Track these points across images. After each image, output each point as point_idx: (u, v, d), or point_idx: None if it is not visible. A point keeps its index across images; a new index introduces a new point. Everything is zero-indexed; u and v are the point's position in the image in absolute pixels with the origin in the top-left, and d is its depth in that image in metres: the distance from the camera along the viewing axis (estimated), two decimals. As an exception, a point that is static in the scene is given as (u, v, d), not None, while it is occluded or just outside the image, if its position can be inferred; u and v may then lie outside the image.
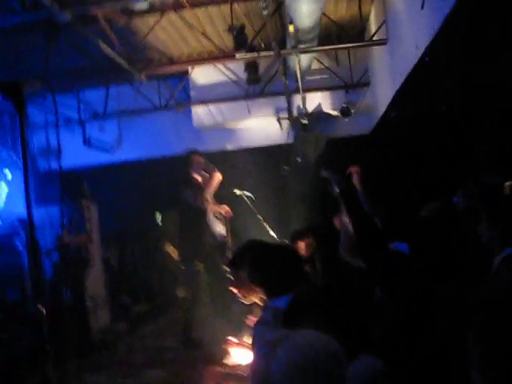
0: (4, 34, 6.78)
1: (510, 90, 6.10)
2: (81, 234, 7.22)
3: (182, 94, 10.02)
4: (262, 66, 9.35)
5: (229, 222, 8.14)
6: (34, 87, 2.03)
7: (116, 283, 8.98)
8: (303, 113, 9.71)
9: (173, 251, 8.00)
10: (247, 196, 7.54)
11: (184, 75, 9.73)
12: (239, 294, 3.24)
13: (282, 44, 8.15)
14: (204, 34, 8.22)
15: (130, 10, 7.12)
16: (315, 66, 9.46)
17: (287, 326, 1.92)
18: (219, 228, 8.10)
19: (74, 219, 7.21)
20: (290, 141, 10.23)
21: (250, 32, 7.82)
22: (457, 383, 1.77)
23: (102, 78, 9.33)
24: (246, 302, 3.29)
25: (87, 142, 9.95)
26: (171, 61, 8.92)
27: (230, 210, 7.80)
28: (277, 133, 10.43)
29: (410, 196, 8.39)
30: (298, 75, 8.42)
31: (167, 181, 8.21)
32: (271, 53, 7.69)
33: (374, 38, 7.83)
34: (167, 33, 8.18)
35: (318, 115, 9.99)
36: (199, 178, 6.15)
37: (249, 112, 9.72)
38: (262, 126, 10.45)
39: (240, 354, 3.78)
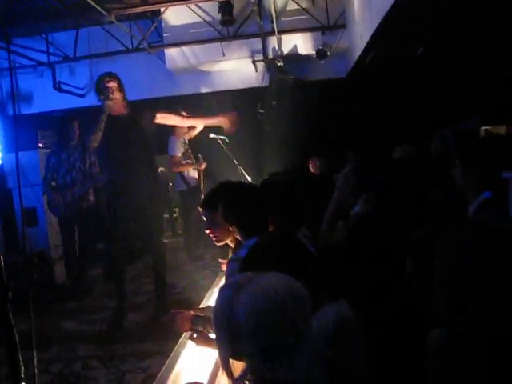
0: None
1: (489, 35, 6.05)
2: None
3: (155, 36, 9.75)
4: (237, 6, 9.10)
5: (202, 167, 8.12)
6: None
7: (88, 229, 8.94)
8: (278, 55, 9.54)
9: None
10: (221, 139, 7.46)
11: (156, 16, 9.45)
12: (213, 236, 3.27)
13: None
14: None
15: None
16: (291, 6, 9.25)
17: (247, 268, 1.91)
18: (191, 173, 8.08)
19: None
20: (266, 84, 10.08)
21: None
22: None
23: (72, 20, 9.02)
24: (219, 244, 3.32)
25: (57, 86, 9.70)
26: (143, 1, 8.64)
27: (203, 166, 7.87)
28: (252, 75, 10.27)
29: (383, 140, 8.41)
30: (274, 16, 8.25)
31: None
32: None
33: (350, -22, 7.64)
34: (138, -30, 7.91)
35: (294, 57, 9.83)
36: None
37: (223, 54, 9.52)
38: (236, 69, 10.26)
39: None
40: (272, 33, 9.08)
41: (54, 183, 6.69)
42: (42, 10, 8.76)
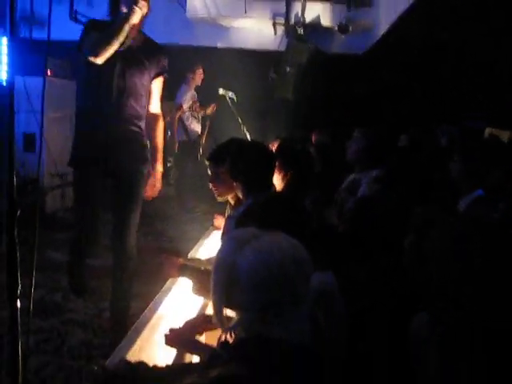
0: None
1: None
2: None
3: (178, -19, 9.57)
4: (266, -35, 8.96)
5: (208, 122, 8.09)
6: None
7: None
8: (300, 22, 9.41)
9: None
10: (230, 97, 7.43)
11: (183, -38, 9.27)
12: (216, 190, 3.30)
13: None
14: None
15: None
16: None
17: (243, 224, 1.93)
18: (194, 125, 8.06)
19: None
20: (282, 49, 9.97)
21: None
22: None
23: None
24: (221, 199, 3.36)
25: (74, 15, 9.54)
26: None
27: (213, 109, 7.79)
28: (270, 38, 10.13)
29: (389, 123, 8.41)
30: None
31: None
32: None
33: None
34: None
35: (315, 27, 9.70)
36: None
37: (245, 11, 9.38)
38: (255, 28, 10.12)
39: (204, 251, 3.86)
40: (297, -2, 8.95)
41: None
42: None
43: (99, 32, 3.70)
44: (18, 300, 1.78)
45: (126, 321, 3.82)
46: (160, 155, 4.12)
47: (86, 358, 3.78)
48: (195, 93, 7.89)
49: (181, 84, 7.97)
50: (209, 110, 8.09)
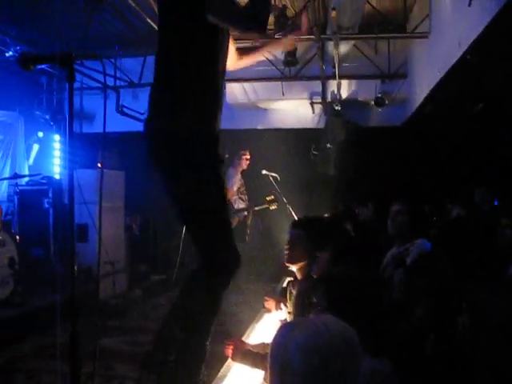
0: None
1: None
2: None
3: (218, 70, 10.00)
4: (300, 48, 9.29)
5: (252, 203, 8.20)
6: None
7: (136, 251, 9.12)
8: (337, 99, 9.66)
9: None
10: (273, 177, 7.58)
11: (221, 51, 9.71)
12: (287, 254, 3.50)
13: (322, 28, 8.11)
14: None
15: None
16: (353, 52, 9.39)
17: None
18: (241, 205, 8.18)
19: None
20: (321, 126, 10.20)
21: (291, 13, 7.79)
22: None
23: (141, 48, 9.37)
24: (288, 263, 3.55)
25: (120, 109, 10.02)
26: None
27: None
28: (308, 116, 10.42)
29: (432, 193, 8.37)
30: (336, 61, 8.37)
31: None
32: (311, 37, 7.65)
33: (416, 31, 7.74)
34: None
35: (352, 102, 9.94)
36: None
37: (283, 93, 9.70)
38: (294, 109, 10.44)
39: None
40: (332, 77, 9.21)
41: None
42: (115, 37, 9.18)
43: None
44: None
45: None
46: None
47: None
48: (240, 176, 8.05)
49: (227, 168, 8.17)
50: (250, 208, 8.24)
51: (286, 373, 1.52)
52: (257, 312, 4.70)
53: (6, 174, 8.66)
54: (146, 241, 9.99)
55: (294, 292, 3.47)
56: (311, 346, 1.48)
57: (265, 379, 2.69)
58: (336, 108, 9.64)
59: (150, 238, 10.19)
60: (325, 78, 9.52)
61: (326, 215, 6.33)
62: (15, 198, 7.55)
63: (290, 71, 9.66)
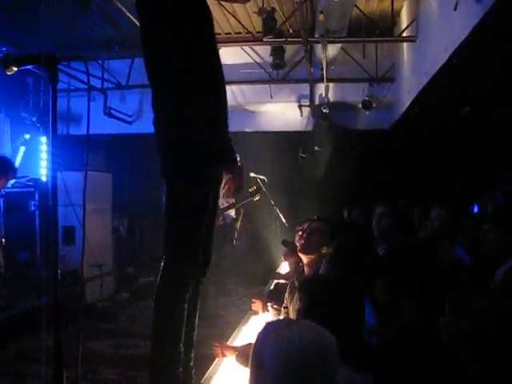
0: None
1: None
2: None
3: (206, 72, 9.99)
4: (289, 51, 9.33)
5: (242, 209, 8.18)
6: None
7: (123, 253, 9.08)
8: (325, 102, 9.69)
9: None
10: (261, 179, 7.58)
11: (210, 53, 9.71)
12: (305, 243, 3.45)
13: (311, 32, 8.14)
14: (234, 14, 8.20)
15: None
16: (341, 56, 9.42)
17: None
18: (229, 211, 8.13)
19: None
20: (309, 129, 10.23)
21: (279, 16, 7.81)
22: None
23: (128, 50, 9.35)
24: (301, 253, 3.48)
25: (107, 111, 9.99)
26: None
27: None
28: (296, 119, 10.44)
29: (420, 195, 8.41)
30: (324, 64, 8.39)
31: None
32: (299, 39, 7.68)
33: (403, 35, 7.79)
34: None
35: (340, 105, 9.98)
36: None
37: (271, 96, 9.72)
38: (282, 111, 10.46)
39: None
40: (320, 80, 9.24)
41: None
42: (102, 39, 9.16)
43: None
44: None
45: None
46: None
47: None
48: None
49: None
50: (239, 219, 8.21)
51: (261, 374, 1.53)
52: (244, 314, 4.70)
53: (-8, 176, 8.60)
54: (133, 243, 9.96)
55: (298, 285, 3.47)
56: (284, 354, 1.49)
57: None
58: (324, 111, 9.67)
59: (137, 241, 10.16)
60: (313, 81, 9.55)
61: (314, 217, 6.34)
62: (1, 200, 7.48)
63: (278, 74, 9.68)
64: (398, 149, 9.40)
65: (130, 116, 10.47)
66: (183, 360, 2.65)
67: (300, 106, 10.18)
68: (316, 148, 9.64)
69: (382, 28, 8.30)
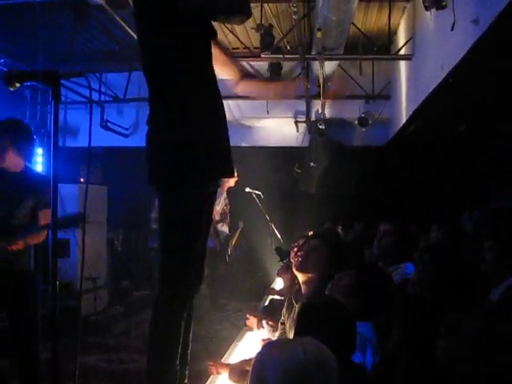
0: (33, 10, 6.83)
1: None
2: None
3: (203, 87, 10.03)
4: (286, 67, 9.38)
5: (241, 224, 8.17)
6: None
7: (118, 267, 9.05)
8: (321, 118, 9.73)
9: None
10: (256, 194, 7.59)
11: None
12: (299, 259, 3.36)
13: (308, 48, 8.21)
14: (232, 30, 8.26)
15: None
16: (338, 73, 9.48)
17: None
18: (223, 228, 8.11)
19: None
20: (305, 144, 10.26)
21: (277, 33, 7.86)
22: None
23: (126, 63, 9.38)
24: (296, 269, 3.38)
25: (104, 124, 10.00)
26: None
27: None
28: (292, 135, 10.49)
29: (416, 212, 8.43)
30: (321, 80, 8.44)
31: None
32: (296, 56, 7.73)
33: (400, 53, 7.85)
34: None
35: (336, 122, 10.02)
36: None
37: (267, 112, 9.76)
38: (278, 127, 10.50)
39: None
40: (317, 96, 9.29)
41: None
42: (100, 51, 9.19)
43: None
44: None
45: None
46: None
47: None
48: (226, 195, 7.98)
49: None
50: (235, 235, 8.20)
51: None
52: (239, 330, 4.68)
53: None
54: (128, 256, 9.92)
55: (298, 307, 3.40)
56: (285, 367, 1.50)
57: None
58: (320, 127, 9.70)
59: (132, 254, 10.13)
60: (309, 97, 9.60)
61: (309, 234, 6.34)
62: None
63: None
64: (393, 166, 9.44)
65: (126, 129, 10.49)
66: (178, 377, 2.64)
67: (296, 122, 10.23)
68: (312, 164, 9.66)
69: (379, 46, 8.37)
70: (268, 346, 1.69)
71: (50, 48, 8.57)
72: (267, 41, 7.48)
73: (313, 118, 10.02)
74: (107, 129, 10.06)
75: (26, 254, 3.84)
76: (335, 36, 6.94)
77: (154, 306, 2.63)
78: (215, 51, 2.93)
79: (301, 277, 3.39)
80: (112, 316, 7.55)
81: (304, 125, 10.26)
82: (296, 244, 3.74)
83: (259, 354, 1.62)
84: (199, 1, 2.63)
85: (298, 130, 10.40)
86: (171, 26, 2.61)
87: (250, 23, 8.11)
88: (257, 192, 7.54)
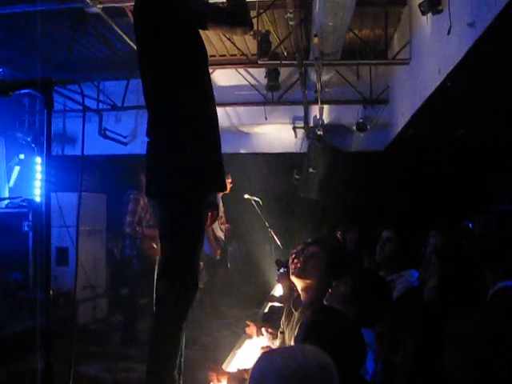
0: (31, 18, 6.85)
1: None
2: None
3: (201, 94, 10.04)
4: (283, 73, 9.38)
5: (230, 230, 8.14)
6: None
7: (117, 275, 9.01)
8: (319, 123, 9.72)
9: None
10: (255, 201, 7.58)
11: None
12: (297, 265, 3.35)
13: (305, 54, 8.21)
14: (229, 37, 8.26)
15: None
16: (336, 78, 9.49)
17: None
18: (220, 233, 8.09)
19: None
20: (304, 150, 10.25)
21: (274, 39, 7.87)
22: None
23: (124, 71, 9.39)
24: (295, 276, 3.36)
25: (103, 132, 10.00)
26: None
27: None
28: (291, 141, 10.48)
29: (416, 217, 8.41)
30: (318, 86, 8.44)
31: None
32: (293, 62, 7.74)
33: (397, 58, 7.85)
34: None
35: (334, 127, 10.02)
36: None
37: (265, 118, 9.76)
38: (276, 133, 10.50)
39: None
40: (315, 102, 9.29)
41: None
42: (98, 60, 9.21)
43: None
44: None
45: None
46: None
47: None
48: (221, 201, 7.96)
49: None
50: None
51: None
52: (238, 337, 4.66)
53: (-13, 196, 8.58)
54: (127, 264, 9.87)
55: (297, 315, 3.37)
56: (286, 370, 1.49)
57: None
58: (318, 133, 9.69)
59: (131, 261, 10.07)
60: (307, 103, 9.60)
61: (308, 240, 6.32)
62: (-6, 220, 7.47)
63: (273, 96, 9.74)
64: (392, 170, 9.43)
65: (124, 137, 10.49)
66: None
67: (294, 128, 10.22)
68: (310, 169, 9.65)
69: (376, 51, 8.38)
70: (267, 352, 1.68)
71: (48, 56, 8.59)
72: (264, 47, 7.48)
73: (311, 123, 10.01)
74: (106, 137, 10.06)
75: None
76: (332, 42, 6.94)
77: (155, 316, 2.63)
78: None
79: (299, 283, 3.37)
80: (111, 325, 7.52)
81: (302, 130, 10.25)
82: (295, 250, 3.72)
83: (258, 361, 1.61)
84: (200, 10, 2.72)
85: (296, 136, 10.39)
86: (172, 37, 2.66)
87: (247, 30, 8.11)
88: (256, 199, 7.53)
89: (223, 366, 3.62)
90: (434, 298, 2.79)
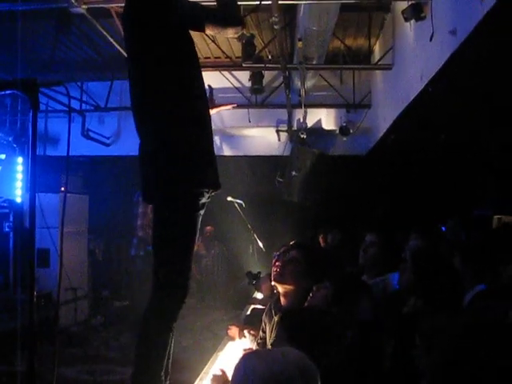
0: (14, 18, 6.80)
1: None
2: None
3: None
4: (267, 76, 9.42)
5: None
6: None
7: (99, 276, 8.98)
8: (302, 127, 9.77)
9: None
10: (238, 203, 7.58)
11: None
12: (278, 270, 3.35)
13: (289, 58, 8.25)
14: (213, 39, 8.28)
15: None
16: (319, 82, 9.54)
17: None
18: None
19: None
20: (287, 153, 10.29)
21: (258, 42, 7.90)
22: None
23: (108, 72, 9.36)
24: (275, 281, 3.37)
25: (86, 133, 9.95)
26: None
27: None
28: (274, 144, 10.51)
29: (397, 220, 8.47)
30: (302, 90, 8.49)
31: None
32: (277, 66, 7.77)
33: (380, 63, 7.92)
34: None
35: (317, 131, 10.08)
36: None
37: (249, 121, 9.77)
38: (260, 136, 10.52)
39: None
40: (298, 105, 9.33)
41: None
42: (82, 60, 9.15)
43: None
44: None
45: None
46: None
47: None
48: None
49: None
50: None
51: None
52: (220, 340, 4.66)
53: (-34, 197, 8.47)
54: (109, 266, 9.85)
55: (276, 319, 3.37)
56: (267, 372, 1.51)
57: None
58: (301, 136, 9.74)
59: (113, 264, 10.06)
60: (291, 107, 9.64)
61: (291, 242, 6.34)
62: (-25, 221, 7.40)
63: (257, 99, 9.77)
64: (374, 174, 9.50)
65: (107, 138, 10.44)
66: None
67: (278, 131, 10.26)
68: (293, 173, 9.69)
69: (359, 55, 8.44)
70: (249, 354, 1.70)
71: (31, 56, 8.52)
72: (249, 50, 7.50)
73: (294, 127, 10.06)
74: (88, 138, 10.01)
75: None
76: (316, 46, 6.99)
77: (145, 316, 2.63)
78: None
79: (280, 288, 3.38)
80: (92, 327, 7.49)
81: (286, 134, 10.29)
82: (277, 253, 3.73)
83: (240, 362, 1.62)
84: (198, 13, 2.73)
85: (279, 139, 10.42)
86: (163, 38, 2.66)
87: (231, 33, 8.13)
88: (239, 201, 7.53)
89: (205, 369, 3.63)
90: (409, 300, 2.83)
